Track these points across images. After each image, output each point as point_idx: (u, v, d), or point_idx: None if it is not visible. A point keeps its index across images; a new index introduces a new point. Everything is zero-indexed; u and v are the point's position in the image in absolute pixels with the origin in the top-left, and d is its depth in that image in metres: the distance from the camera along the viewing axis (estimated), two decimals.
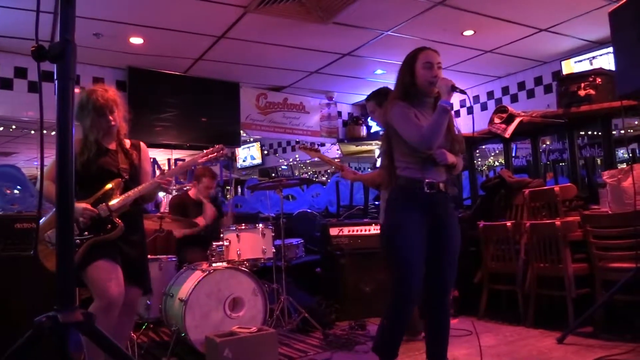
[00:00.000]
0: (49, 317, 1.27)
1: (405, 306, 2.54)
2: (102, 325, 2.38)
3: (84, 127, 2.69)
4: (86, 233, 2.54)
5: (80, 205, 2.53)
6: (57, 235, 1.36)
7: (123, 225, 2.64)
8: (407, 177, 2.57)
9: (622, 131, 5.09)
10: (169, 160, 7.29)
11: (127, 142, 2.86)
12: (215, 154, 3.00)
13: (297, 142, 9.79)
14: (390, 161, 2.65)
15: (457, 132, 2.71)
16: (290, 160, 10.59)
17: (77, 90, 1.64)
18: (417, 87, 2.64)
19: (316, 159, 9.30)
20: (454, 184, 2.70)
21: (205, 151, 3.02)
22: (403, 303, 2.54)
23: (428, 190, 2.53)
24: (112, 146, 2.77)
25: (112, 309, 2.49)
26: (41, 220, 2.57)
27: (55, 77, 1.33)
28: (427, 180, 2.53)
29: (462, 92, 2.62)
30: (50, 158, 2.41)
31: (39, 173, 1.98)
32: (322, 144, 9.09)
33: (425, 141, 2.47)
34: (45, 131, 1.59)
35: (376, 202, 6.64)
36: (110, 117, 2.69)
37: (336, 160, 8.35)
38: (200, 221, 4.48)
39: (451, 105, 2.50)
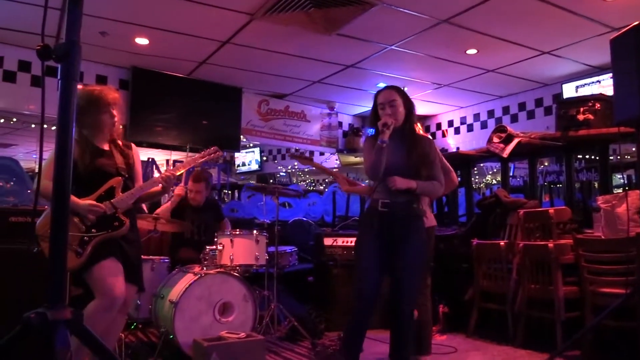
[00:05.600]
0: (38, 314, 1.27)
1: (355, 305, 2.87)
2: (101, 324, 2.42)
3: (83, 123, 2.67)
4: (94, 230, 2.55)
5: (86, 202, 2.55)
6: (51, 231, 1.36)
7: (129, 223, 2.66)
8: (373, 198, 2.97)
9: (619, 157, 5.12)
10: (167, 160, 7.30)
11: (120, 143, 2.88)
12: (212, 155, 3.07)
13: (297, 150, 9.82)
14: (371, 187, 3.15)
15: (429, 159, 2.99)
16: (289, 167, 10.59)
17: (79, 86, 1.66)
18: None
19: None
20: (417, 204, 2.96)
21: (202, 152, 3.08)
22: (354, 302, 2.88)
23: (382, 209, 2.89)
24: (105, 147, 2.78)
25: (113, 308, 2.53)
26: (41, 217, 2.58)
27: (58, 77, 1.34)
28: (381, 201, 2.90)
29: (380, 131, 2.84)
30: (50, 152, 2.43)
31: (37, 167, 1.99)
32: (322, 153, 9.12)
33: (369, 173, 2.95)
34: (45, 126, 1.60)
35: None
36: (115, 114, 2.73)
37: (334, 170, 8.36)
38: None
39: (383, 141, 2.81)
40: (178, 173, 2.92)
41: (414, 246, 2.89)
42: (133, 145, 2.97)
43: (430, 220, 3.62)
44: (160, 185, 2.84)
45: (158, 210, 4.65)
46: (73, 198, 2.39)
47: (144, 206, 5.29)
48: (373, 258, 2.87)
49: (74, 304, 1.46)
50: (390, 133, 2.86)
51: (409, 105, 3.03)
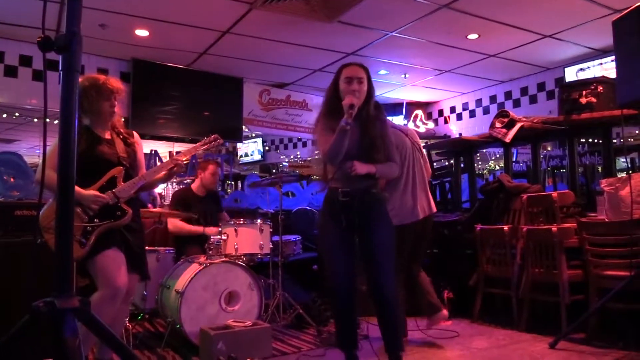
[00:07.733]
0: (46, 303, 1.29)
1: (333, 294, 2.90)
2: (106, 314, 2.43)
3: (83, 108, 2.66)
4: (96, 220, 2.57)
5: (90, 192, 2.56)
6: (56, 222, 1.37)
7: (132, 212, 2.68)
8: (331, 187, 2.85)
9: (622, 140, 5.10)
10: (170, 152, 7.32)
11: (122, 131, 2.88)
12: (213, 142, 3.10)
13: (299, 140, 9.82)
14: (325, 173, 2.90)
15: (385, 141, 2.88)
16: (292, 156, 10.60)
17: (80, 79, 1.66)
18: (340, 101, 2.78)
19: (317, 157, 9.33)
20: (380, 190, 2.93)
21: (203, 140, 3.10)
22: (332, 292, 2.90)
23: (342, 199, 2.78)
24: (107, 135, 2.79)
25: (117, 298, 2.55)
26: (44, 209, 2.59)
27: (60, 68, 1.34)
28: (342, 190, 2.79)
29: (350, 111, 2.66)
30: (53, 140, 2.42)
31: (40, 161, 2.00)
32: None
33: (329, 157, 2.74)
34: (48, 120, 1.61)
35: None
36: (115, 102, 2.73)
37: None
38: (211, 231, 4.41)
39: (348, 123, 2.61)
40: (183, 159, 2.94)
41: (381, 229, 2.86)
42: (135, 133, 2.97)
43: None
44: (162, 172, 2.86)
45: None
46: (77, 188, 2.40)
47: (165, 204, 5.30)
48: (342, 250, 2.85)
49: (81, 294, 1.48)
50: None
51: (371, 88, 2.94)
